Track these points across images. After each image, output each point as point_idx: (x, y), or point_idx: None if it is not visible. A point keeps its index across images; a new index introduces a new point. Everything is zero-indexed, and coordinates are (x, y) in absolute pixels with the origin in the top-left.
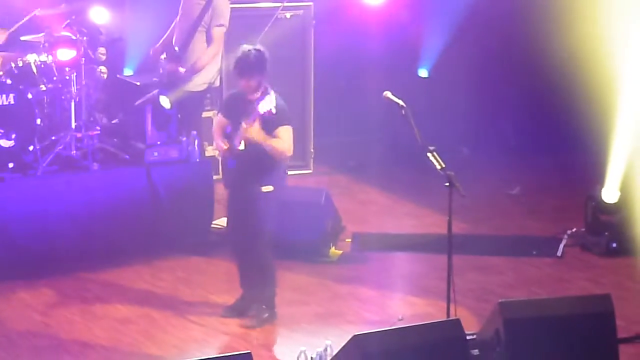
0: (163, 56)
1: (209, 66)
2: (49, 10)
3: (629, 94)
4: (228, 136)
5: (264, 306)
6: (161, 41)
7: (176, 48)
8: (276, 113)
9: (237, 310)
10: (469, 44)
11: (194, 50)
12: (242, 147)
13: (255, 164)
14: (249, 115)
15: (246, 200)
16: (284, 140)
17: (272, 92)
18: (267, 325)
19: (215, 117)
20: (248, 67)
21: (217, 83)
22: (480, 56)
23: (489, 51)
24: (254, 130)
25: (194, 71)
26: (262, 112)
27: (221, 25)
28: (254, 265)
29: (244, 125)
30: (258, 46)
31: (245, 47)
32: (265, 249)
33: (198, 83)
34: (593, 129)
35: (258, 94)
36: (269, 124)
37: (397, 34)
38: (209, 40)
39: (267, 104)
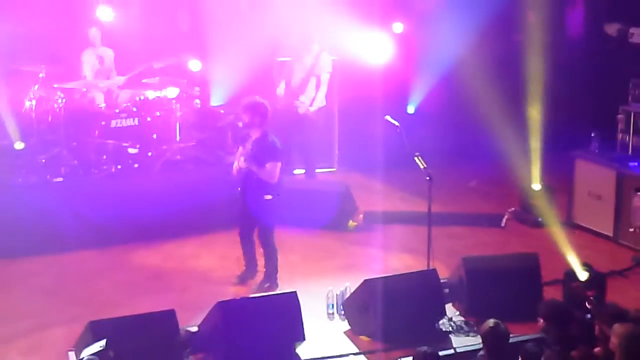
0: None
1: (318, 101)
2: (162, 61)
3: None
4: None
5: (266, 280)
6: (282, 92)
7: (293, 87)
8: (269, 152)
9: (242, 279)
10: (449, 88)
11: (308, 92)
12: (244, 165)
13: (254, 181)
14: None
15: (255, 206)
16: (269, 171)
17: (265, 135)
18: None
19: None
20: (247, 106)
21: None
22: (459, 98)
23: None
24: (239, 161)
25: (310, 106)
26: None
27: (328, 72)
28: (263, 249)
29: (240, 153)
30: (265, 101)
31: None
32: (271, 239)
33: (314, 108)
34: (522, 137)
35: (258, 134)
36: (264, 157)
37: (393, 83)
38: (318, 84)
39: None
